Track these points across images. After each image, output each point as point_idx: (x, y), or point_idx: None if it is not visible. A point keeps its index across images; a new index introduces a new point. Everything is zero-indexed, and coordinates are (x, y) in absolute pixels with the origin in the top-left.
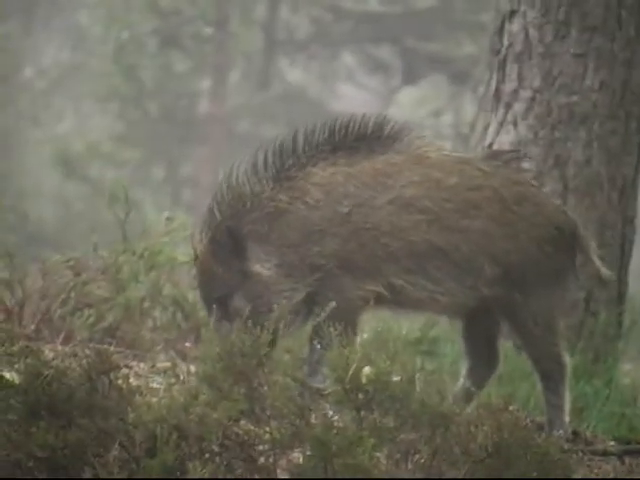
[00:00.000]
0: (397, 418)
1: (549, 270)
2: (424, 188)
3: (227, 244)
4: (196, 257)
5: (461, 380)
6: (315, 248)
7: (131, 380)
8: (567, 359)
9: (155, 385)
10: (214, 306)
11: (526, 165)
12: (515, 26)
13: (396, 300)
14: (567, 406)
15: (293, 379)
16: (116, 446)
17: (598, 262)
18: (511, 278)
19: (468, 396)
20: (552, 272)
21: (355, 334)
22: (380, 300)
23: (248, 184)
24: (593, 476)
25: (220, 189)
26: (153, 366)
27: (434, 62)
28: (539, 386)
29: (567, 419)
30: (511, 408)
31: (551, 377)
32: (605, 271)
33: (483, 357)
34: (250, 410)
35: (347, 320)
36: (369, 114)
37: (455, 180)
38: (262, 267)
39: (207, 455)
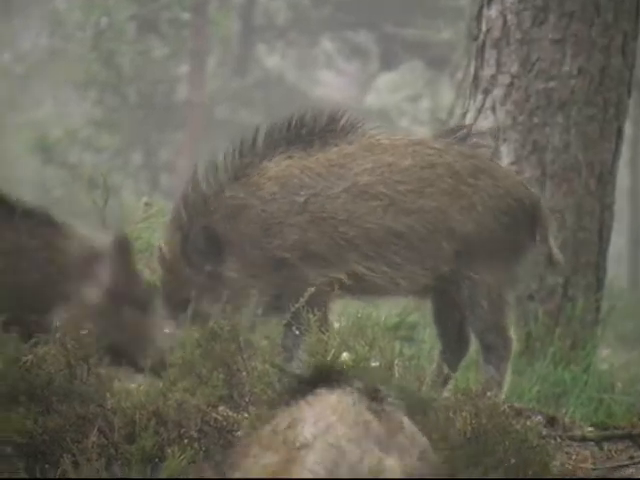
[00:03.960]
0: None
1: (506, 242)
2: (377, 174)
3: (200, 245)
4: (162, 257)
5: (435, 364)
6: (276, 241)
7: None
8: (513, 336)
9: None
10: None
11: (484, 141)
12: (493, 12)
13: (359, 287)
14: (506, 386)
15: (271, 365)
16: (95, 432)
17: (553, 243)
18: (468, 251)
19: (444, 379)
20: (509, 244)
21: (326, 322)
22: (344, 288)
23: (210, 185)
24: (571, 462)
25: (185, 190)
26: None
27: (412, 48)
28: (480, 360)
29: (502, 397)
30: (489, 394)
31: (494, 351)
32: (557, 254)
33: (453, 340)
34: (229, 396)
35: (315, 309)
36: (323, 108)
37: (408, 162)
38: (228, 269)
39: (186, 441)
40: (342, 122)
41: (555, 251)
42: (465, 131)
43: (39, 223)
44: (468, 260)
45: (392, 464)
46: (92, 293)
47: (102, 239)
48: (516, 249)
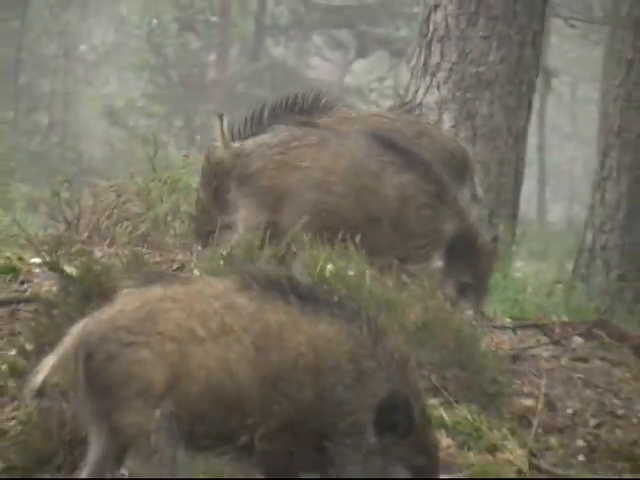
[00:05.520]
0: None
1: None
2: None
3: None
4: (197, 198)
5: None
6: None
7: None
8: None
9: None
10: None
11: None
12: (438, 16)
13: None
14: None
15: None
16: None
17: (478, 182)
18: None
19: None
20: None
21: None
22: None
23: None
24: (494, 344)
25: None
26: (173, 261)
27: (379, 42)
28: None
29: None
30: (438, 295)
31: None
32: (480, 192)
33: None
34: None
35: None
36: (310, 92)
37: (368, 126)
38: (240, 207)
39: None
40: (323, 102)
41: (478, 190)
42: (411, 105)
43: None
44: None
45: None
46: None
47: None
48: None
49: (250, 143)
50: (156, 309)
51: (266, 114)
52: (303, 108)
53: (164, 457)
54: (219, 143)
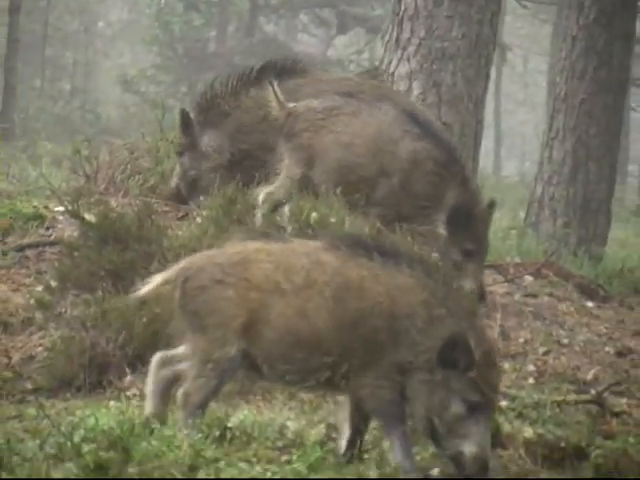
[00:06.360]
0: None
1: None
2: (319, 94)
3: None
4: None
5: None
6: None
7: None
8: None
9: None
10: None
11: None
12: None
13: None
14: None
15: (267, 221)
16: (155, 262)
17: None
18: None
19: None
20: None
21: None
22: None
23: (223, 102)
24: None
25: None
26: (178, 210)
27: (357, 20)
28: None
29: None
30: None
31: None
32: None
33: None
34: None
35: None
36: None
37: (337, 88)
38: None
39: None
40: (300, 65)
41: None
42: (376, 72)
43: None
44: None
45: None
46: None
47: None
48: None
49: (301, 106)
50: (250, 257)
51: (254, 74)
52: (284, 70)
53: (207, 386)
54: (274, 104)
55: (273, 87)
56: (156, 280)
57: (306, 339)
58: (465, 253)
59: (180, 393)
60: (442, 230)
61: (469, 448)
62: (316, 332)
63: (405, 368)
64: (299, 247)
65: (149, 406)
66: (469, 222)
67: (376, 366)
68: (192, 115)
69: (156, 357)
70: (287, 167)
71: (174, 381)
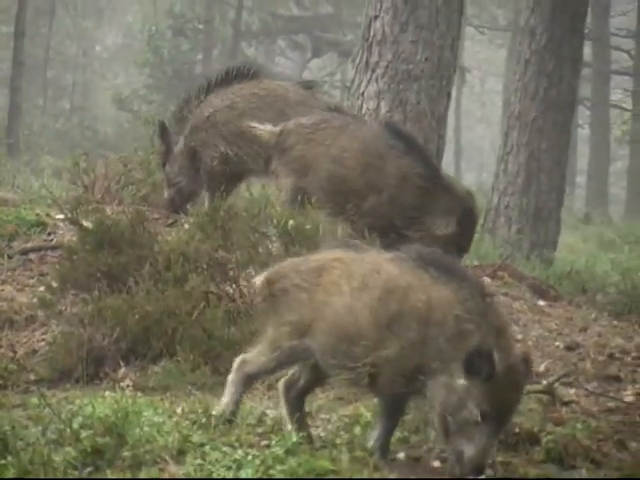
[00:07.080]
0: (307, 249)
1: None
2: (260, 95)
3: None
4: None
5: None
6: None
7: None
8: None
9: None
10: None
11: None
12: (377, 24)
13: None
14: None
15: (249, 227)
16: (147, 265)
17: None
18: None
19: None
20: None
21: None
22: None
23: (186, 109)
24: None
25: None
26: (167, 217)
27: (330, 44)
28: None
29: None
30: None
31: None
32: None
33: None
34: (224, 244)
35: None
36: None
37: (277, 95)
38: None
39: (199, 270)
40: (251, 72)
41: None
42: (310, 84)
43: None
44: None
45: None
46: None
47: None
48: None
49: (290, 123)
50: (325, 265)
51: (212, 83)
52: (236, 76)
53: (265, 364)
54: (263, 134)
55: (252, 126)
56: (262, 276)
57: (350, 333)
58: (458, 249)
59: (239, 358)
60: (442, 231)
61: (469, 450)
62: (358, 327)
63: (427, 370)
64: (369, 257)
65: (290, 425)
66: (460, 222)
67: (401, 362)
68: (171, 127)
69: (280, 384)
70: (281, 180)
71: (303, 395)
